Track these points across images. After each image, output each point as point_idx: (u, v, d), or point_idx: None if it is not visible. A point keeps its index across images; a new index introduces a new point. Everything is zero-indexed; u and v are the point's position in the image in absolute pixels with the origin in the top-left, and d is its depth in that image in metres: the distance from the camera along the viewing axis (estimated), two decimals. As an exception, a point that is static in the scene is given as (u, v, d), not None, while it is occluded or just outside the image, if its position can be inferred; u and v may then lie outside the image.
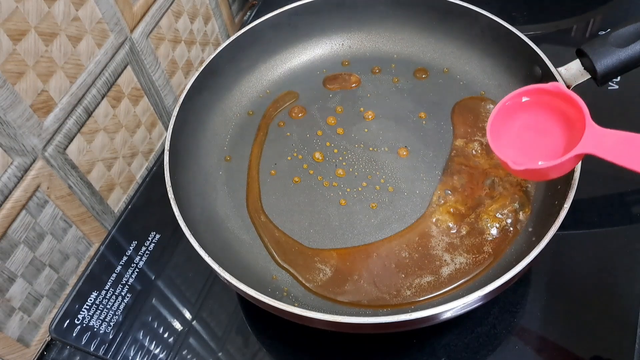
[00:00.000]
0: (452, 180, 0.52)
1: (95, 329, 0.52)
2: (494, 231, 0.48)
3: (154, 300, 0.53)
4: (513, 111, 0.44)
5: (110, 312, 0.53)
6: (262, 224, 0.51)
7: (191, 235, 0.43)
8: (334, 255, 0.49)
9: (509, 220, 0.48)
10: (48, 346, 0.55)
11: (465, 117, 0.56)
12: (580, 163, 0.43)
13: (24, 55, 0.46)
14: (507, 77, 0.56)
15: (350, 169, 0.54)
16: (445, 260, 0.47)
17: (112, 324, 0.52)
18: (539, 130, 0.43)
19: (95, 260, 0.56)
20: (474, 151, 0.53)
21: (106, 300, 0.54)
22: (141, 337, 0.51)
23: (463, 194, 0.50)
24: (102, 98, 0.56)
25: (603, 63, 0.45)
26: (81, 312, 0.53)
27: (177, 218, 0.44)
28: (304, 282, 0.47)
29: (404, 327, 0.41)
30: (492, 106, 0.56)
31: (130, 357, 0.50)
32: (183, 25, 0.68)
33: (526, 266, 0.39)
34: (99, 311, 0.53)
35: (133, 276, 0.55)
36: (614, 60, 0.45)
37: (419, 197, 0.51)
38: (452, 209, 0.50)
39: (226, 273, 0.42)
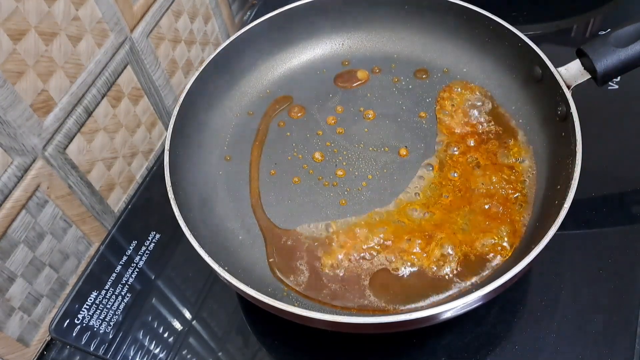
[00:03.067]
0: (448, 175, 0.52)
1: (95, 329, 0.52)
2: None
3: (154, 300, 0.53)
4: None
5: (110, 312, 0.53)
6: (262, 224, 0.51)
7: (191, 235, 0.43)
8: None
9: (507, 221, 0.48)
10: (48, 346, 0.55)
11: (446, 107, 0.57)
12: (580, 163, 0.43)
13: (24, 55, 0.46)
14: (508, 77, 0.56)
15: (350, 169, 0.54)
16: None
17: (112, 323, 0.52)
18: None
19: (95, 260, 0.56)
20: (460, 146, 0.53)
21: (106, 300, 0.54)
22: (141, 337, 0.51)
23: (456, 190, 0.50)
24: (102, 98, 0.56)
25: (603, 63, 0.45)
26: (81, 312, 0.53)
27: (177, 218, 0.44)
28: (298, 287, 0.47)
29: (404, 327, 0.41)
30: (478, 94, 0.57)
31: (130, 357, 0.50)
32: (183, 25, 0.68)
33: (526, 266, 0.39)
34: (99, 311, 0.53)
35: (133, 276, 0.55)
36: (614, 60, 0.45)
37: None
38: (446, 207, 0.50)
39: (226, 273, 0.42)
